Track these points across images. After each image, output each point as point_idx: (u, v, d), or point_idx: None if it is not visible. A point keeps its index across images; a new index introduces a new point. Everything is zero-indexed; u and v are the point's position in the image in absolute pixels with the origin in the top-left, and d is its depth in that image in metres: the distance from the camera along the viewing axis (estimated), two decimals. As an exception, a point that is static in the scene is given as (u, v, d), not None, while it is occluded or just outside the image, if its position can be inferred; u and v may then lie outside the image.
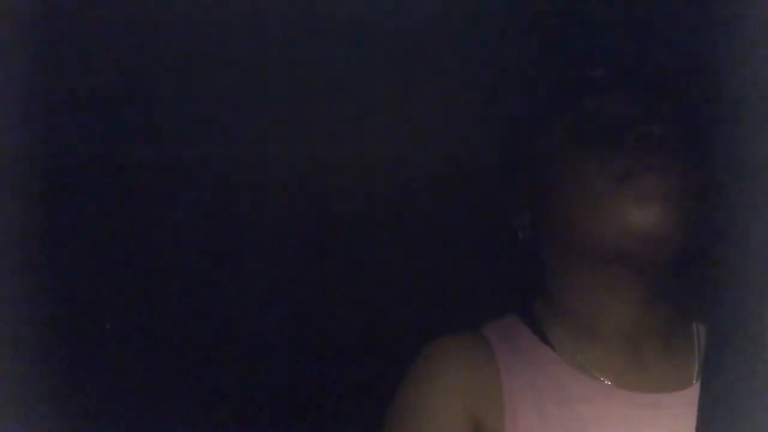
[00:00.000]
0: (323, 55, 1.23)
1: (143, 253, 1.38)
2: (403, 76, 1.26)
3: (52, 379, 1.12)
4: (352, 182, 1.36)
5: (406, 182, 1.37)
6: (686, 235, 1.05)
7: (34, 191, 1.14)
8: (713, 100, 0.92)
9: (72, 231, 1.30)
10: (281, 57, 1.23)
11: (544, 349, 1.12)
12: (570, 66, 1.15)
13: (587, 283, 1.11)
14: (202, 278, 1.41)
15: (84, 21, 1.14)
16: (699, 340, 1.13)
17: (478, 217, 1.28)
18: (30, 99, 1.08)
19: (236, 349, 1.43)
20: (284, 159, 1.36)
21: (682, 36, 1.04)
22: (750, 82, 0.87)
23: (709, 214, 0.97)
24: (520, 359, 1.11)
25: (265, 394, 1.44)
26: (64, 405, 1.14)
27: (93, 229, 1.34)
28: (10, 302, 1.06)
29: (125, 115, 1.27)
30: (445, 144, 1.33)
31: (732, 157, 0.92)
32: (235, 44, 1.20)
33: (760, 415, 0.83)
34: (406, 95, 1.28)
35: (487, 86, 1.25)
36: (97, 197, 1.33)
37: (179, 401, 1.35)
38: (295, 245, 1.43)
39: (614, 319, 1.10)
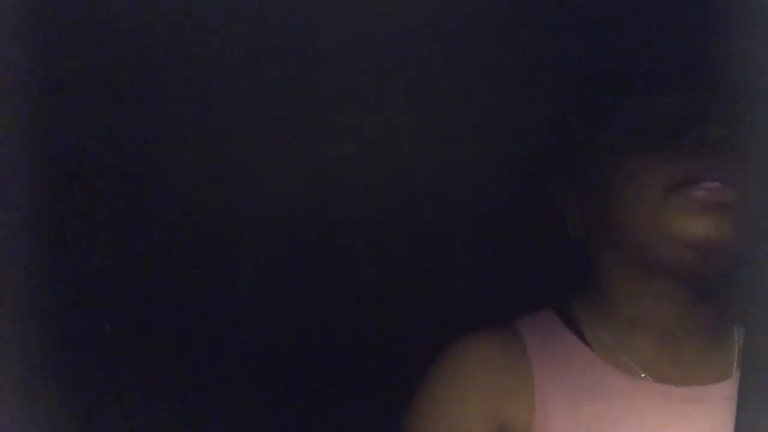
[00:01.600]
0: (333, 53, 1.23)
1: (143, 253, 1.38)
2: (431, 70, 1.25)
3: (51, 380, 1.12)
4: (380, 173, 1.35)
5: (443, 175, 1.35)
6: (739, 244, 0.99)
7: (33, 191, 1.14)
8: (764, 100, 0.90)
9: (72, 231, 1.30)
10: (282, 57, 1.23)
11: (579, 346, 1.09)
12: (624, 60, 1.10)
13: (634, 285, 1.08)
14: (203, 278, 1.41)
15: (84, 21, 1.14)
16: (738, 340, 1.11)
17: (516, 210, 1.24)
18: (30, 99, 1.08)
19: (237, 350, 1.43)
20: (287, 159, 1.36)
21: (734, 34, 1.02)
22: None
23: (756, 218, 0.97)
24: (555, 356, 1.08)
25: (267, 395, 1.44)
26: (64, 405, 1.14)
27: (93, 229, 1.34)
28: (10, 302, 1.06)
29: (125, 115, 1.27)
30: (483, 134, 1.31)
31: None
32: (235, 44, 1.20)
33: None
34: (439, 91, 1.27)
35: (532, 78, 1.21)
36: (98, 197, 1.33)
37: (179, 401, 1.35)
38: (320, 244, 1.42)
39: (657, 320, 1.08)
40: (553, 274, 1.17)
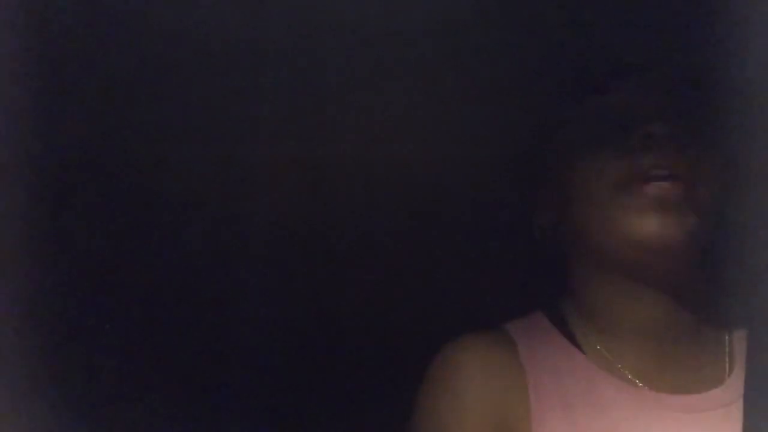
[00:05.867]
0: (330, 55, 1.23)
1: (143, 253, 1.38)
2: (412, 76, 1.25)
3: (51, 380, 1.12)
4: (362, 179, 1.35)
5: (429, 180, 1.36)
6: (696, 241, 1.00)
7: (34, 191, 1.14)
8: (725, 96, 0.90)
9: (71, 231, 1.30)
10: (284, 57, 1.23)
11: (571, 348, 1.09)
12: (577, 62, 1.11)
13: (604, 287, 1.07)
14: (203, 278, 1.41)
15: (84, 21, 1.14)
16: (731, 345, 1.10)
17: (504, 214, 1.25)
18: (30, 99, 1.08)
19: (237, 350, 1.43)
20: (287, 159, 1.35)
21: (692, 31, 1.02)
22: (758, 79, 0.85)
23: (727, 215, 0.97)
24: (547, 359, 1.08)
25: (267, 396, 1.44)
26: (64, 405, 1.14)
27: (93, 229, 1.34)
28: (10, 302, 1.06)
29: (125, 115, 1.27)
30: (464, 140, 1.31)
31: (747, 154, 0.90)
32: (236, 44, 1.20)
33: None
34: (419, 95, 1.27)
35: (503, 85, 1.22)
36: (98, 197, 1.33)
37: (179, 401, 1.35)
38: (313, 246, 1.42)
39: (636, 322, 1.07)
40: (542, 277, 1.17)
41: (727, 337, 1.10)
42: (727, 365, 1.08)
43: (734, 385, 1.05)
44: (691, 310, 1.06)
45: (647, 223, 1.00)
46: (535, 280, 1.19)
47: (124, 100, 1.25)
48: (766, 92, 0.87)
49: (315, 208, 1.40)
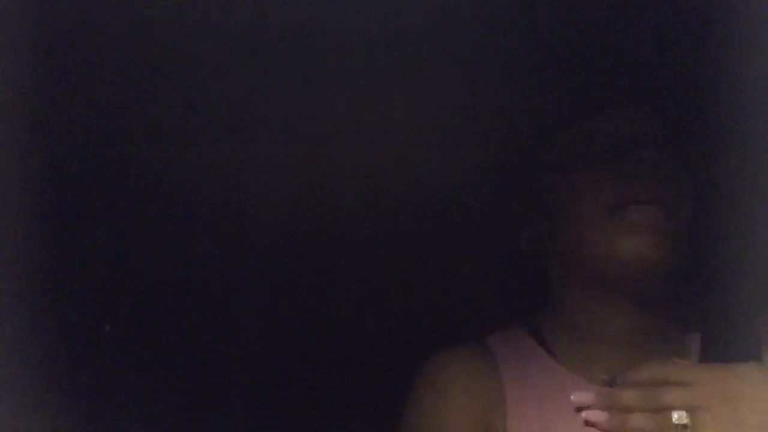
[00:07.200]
0: (327, 58, 1.23)
1: (143, 253, 1.38)
2: (405, 82, 1.27)
3: (51, 380, 1.12)
4: (352, 191, 1.37)
5: (412, 192, 1.37)
6: (677, 259, 1.08)
7: (33, 192, 1.14)
8: (711, 117, 0.96)
9: (72, 231, 1.30)
10: (283, 58, 1.23)
11: (546, 358, 1.15)
12: (573, 83, 1.17)
13: (586, 298, 1.14)
14: (203, 278, 1.41)
15: (84, 20, 1.14)
16: (690, 346, 1.14)
17: (484, 227, 1.29)
18: (30, 99, 1.08)
19: (237, 350, 1.43)
20: (287, 159, 1.36)
21: (685, 54, 1.07)
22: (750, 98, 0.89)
23: (699, 232, 1.07)
24: (523, 368, 1.14)
25: (266, 397, 1.44)
26: (64, 406, 1.14)
27: (93, 229, 1.34)
28: (11, 303, 1.06)
29: (125, 115, 1.27)
30: (449, 153, 1.34)
31: (722, 175, 0.97)
32: (237, 44, 1.20)
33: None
34: (412, 102, 1.29)
35: (494, 98, 1.26)
36: (98, 197, 1.33)
37: (179, 401, 1.35)
38: (294, 253, 1.43)
39: (612, 330, 1.13)
40: (520, 291, 1.22)
41: (688, 342, 1.15)
42: (688, 361, 1.13)
43: None
44: (661, 315, 1.13)
45: (632, 244, 1.07)
46: (513, 294, 1.24)
47: (125, 100, 1.25)
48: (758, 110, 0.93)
49: (309, 210, 1.40)
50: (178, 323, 1.39)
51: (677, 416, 0.91)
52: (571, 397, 0.98)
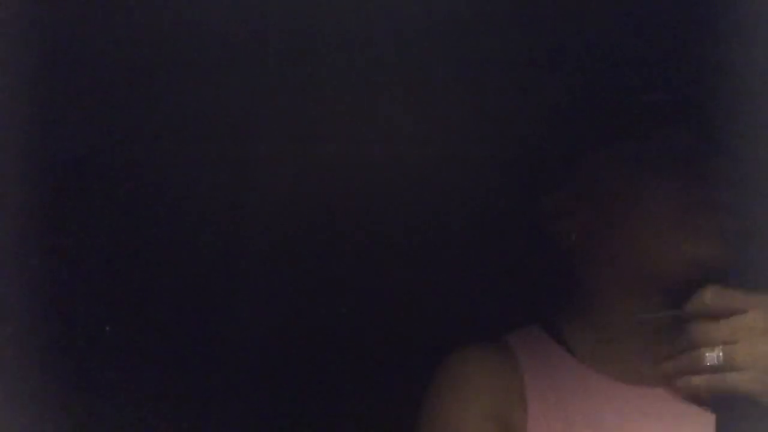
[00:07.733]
0: (327, 58, 1.23)
1: (143, 253, 1.38)
2: (426, 73, 1.26)
3: (52, 380, 1.12)
4: (366, 184, 1.36)
5: (425, 190, 1.37)
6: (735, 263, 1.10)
7: (33, 192, 1.14)
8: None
9: (72, 231, 1.30)
10: (284, 57, 1.23)
11: (568, 358, 1.15)
12: (636, 91, 1.17)
13: (623, 298, 1.14)
14: (203, 278, 1.41)
15: (84, 20, 1.14)
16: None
17: (506, 224, 1.28)
18: (30, 99, 1.08)
19: (237, 350, 1.43)
20: (287, 159, 1.36)
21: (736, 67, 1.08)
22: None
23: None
24: (545, 367, 1.14)
25: (266, 398, 1.44)
26: (64, 405, 1.14)
27: (93, 229, 1.34)
28: (10, 302, 1.06)
29: (125, 115, 1.27)
30: (471, 146, 1.33)
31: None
32: (237, 44, 1.20)
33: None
34: (434, 94, 1.28)
35: (538, 82, 1.24)
36: (98, 197, 1.33)
37: (179, 402, 1.35)
38: (303, 252, 1.43)
39: (648, 330, 1.13)
40: (541, 291, 1.22)
41: None
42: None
43: None
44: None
45: (709, 247, 1.09)
46: (534, 292, 1.23)
47: (125, 100, 1.25)
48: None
49: (313, 208, 1.40)
50: (178, 323, 1.39)
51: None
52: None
